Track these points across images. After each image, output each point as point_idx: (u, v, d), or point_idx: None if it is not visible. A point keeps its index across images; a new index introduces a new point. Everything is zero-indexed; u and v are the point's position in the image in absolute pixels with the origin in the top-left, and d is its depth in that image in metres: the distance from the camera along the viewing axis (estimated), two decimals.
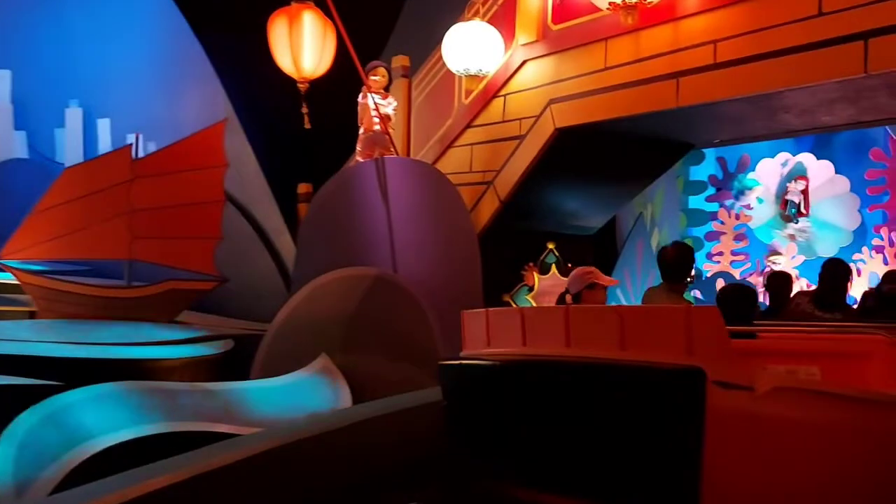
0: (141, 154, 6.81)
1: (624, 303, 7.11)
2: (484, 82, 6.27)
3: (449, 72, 6.36)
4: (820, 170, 10.58)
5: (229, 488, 2.63)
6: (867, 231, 10.40)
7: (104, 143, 9.31)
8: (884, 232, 9.87)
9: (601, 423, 1.91)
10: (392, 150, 6.19)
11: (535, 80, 5.92)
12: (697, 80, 4.82)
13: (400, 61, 6.91)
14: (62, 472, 3.16)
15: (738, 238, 10.55)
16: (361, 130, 6.26)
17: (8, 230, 6.36)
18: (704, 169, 11.02)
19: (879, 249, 9.79)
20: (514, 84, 6.09)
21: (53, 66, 9.51)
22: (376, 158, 5.96)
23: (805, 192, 10.48)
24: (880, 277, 9.16)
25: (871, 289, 4.68)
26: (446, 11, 6.57)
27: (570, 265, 6.49)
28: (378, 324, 5.11)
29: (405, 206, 5.83)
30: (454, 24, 6.10)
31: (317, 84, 6.11)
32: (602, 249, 7.37)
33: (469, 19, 6.07)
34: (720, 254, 10.64)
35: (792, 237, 10.30)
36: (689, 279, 3.97)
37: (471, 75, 6.06)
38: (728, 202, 10.82)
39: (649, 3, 4.81)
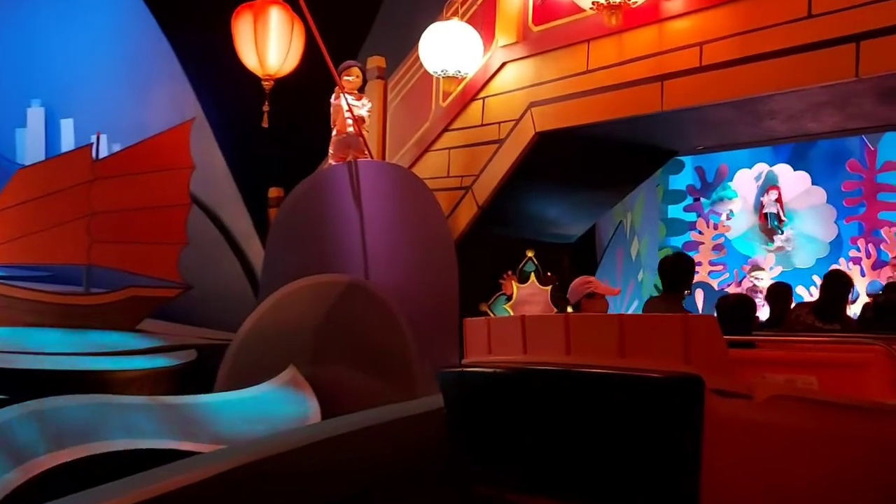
0: (104, 154, 6.52)
1: None
2: (462, 84, 6.10)
3: (426, 73, 6.17)
4: (797, 181, 10.57)
5: None
6: (843, 243, 10.41)
7: (67, 144, 8.93)
8: (861, 243, 9.87)
9: (601, 430, 1.93)
10: (366, 152, 5.97)
11: (515, 83, 5.76)
12: (683, 83, 4.68)
13: (375, 62, 6.71)
14: None
15: (716, 248, 10.49)
16: (334, 132, 6.03)
17: None
18: (683, 178, 10.97)
19: (857, 261, 9.78)
20: (494, 86, 5.92)
21: (14, 63, 9.15)
22: (349, 161, 5.75)
23: (779, 201, 10.48)
24: (859, 290, 9.18)
25: (870, 300, 4.62)
26: (424, 11, 6.40)
27: (549, 274, 6.36)
28: (350, 334, 4.88)
29: (379, 212, 5.63)
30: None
31: (290, 85, 5.88)
32: (582, 258, 7.22)
33: (447, 19, 5.89)
34: (699, 264, 10.54)
35: (780, 248, 10.24)
36: (688, 289, 3.92)
37: (448, 76, 5.87)
38: (706, 212, 10.77)
39: (633, 3, 4.66)
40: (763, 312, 5.56)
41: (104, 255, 6.06)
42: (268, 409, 4.39)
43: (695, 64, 4.61)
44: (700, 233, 10.57)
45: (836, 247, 10.38)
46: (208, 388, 4.76)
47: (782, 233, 10.37)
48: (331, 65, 5.56)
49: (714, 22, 4.52)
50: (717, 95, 4.58)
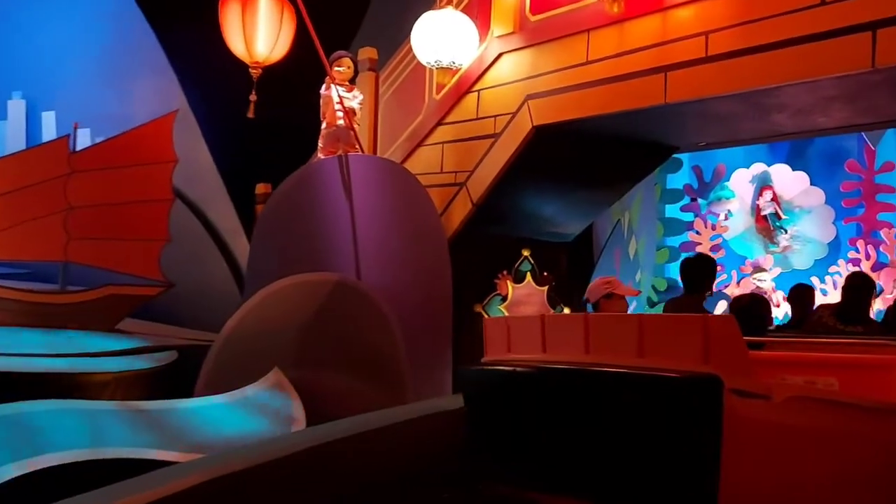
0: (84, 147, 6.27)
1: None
2: (457, 77, 5.88)
3: (419, 65, 5.94)
4: (795, 181, 10.44)
5: None
6: (842, 244, 10.27)
7: (48, 137, 8.59)
8: (860, 244, 9.72)
9: (619, 429, 1.95)
10: (357, 146, 5.75)
11: (511, 75, 5.54)
12: (687, 74, 4.47)
13: (367, 53, 6.49)
14: None
15: (714, 249, 10.31)
16: (324, 125, 5.81)
17: None
18: (681, 178, 10.81)
19: (856, 262, 9.63)
20: (489, 79, 5.70)
21: None
22: (339, 155, 5.52)
23: (775, 199, 10.34)
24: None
25: (895, 302, 4.49)
26: (418, 1, 6.17)
27: (545, 273, 6.16)
28: (337, 335, 4.66)
29: (370, 208, 5.42)
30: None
31: (279, 76, 5.65)
32: (579, 257, 7.03)
33: (441, 8, 5.67)
34: None
35: (786, 248, 10.08)
36: (709, 290, 3.83)
37: (442, 68, 5.64)
38: (704, 213, 10.61)
39: None
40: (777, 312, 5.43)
41: (82, 251, 5.80)
42: (250, 414, 4.16)
43: (700, 54, 4.40)
44: (698, 233, 10.41)
45: (835, 248, 10.25)
46: (189, 392, 4.54)
47: (785, 232, 10.21)
48: (321, 53, 5.33)
49: (721, 10, 4.32)
50: (723, 87, 4.37)
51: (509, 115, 5.49)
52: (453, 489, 2.64)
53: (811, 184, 10.34)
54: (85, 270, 5.96)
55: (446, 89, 5.97)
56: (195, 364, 4.81)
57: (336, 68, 5.64)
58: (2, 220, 5.65)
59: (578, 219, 6.58)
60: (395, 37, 6.48)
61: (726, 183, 10.66)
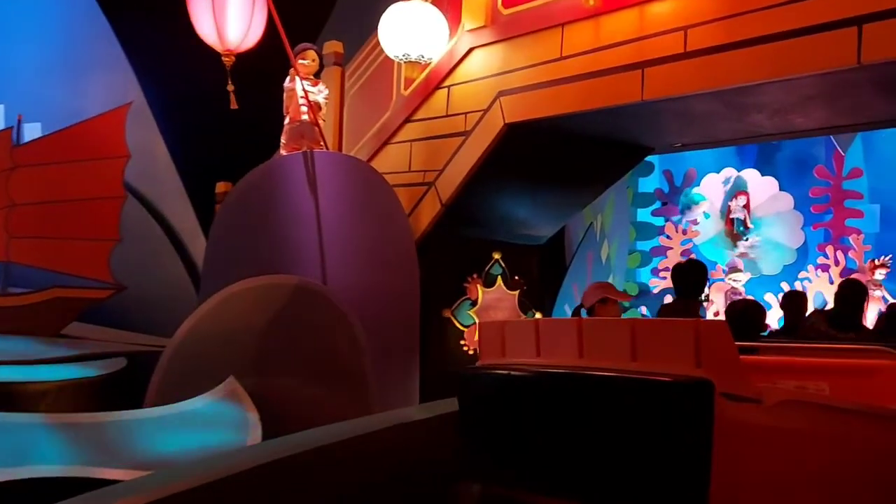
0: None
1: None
2: (426, 72, 5.67)
3: (387, 60, 5.72)
4: (764, 186, 10.43)
5: None
6: (810, 249, 10.29)
7: None
8: (829, 250, 9.73)
9: (612, 433, 1.97)
10: (321, 143, 5.49)
11: (482, 70, 5.34)
12: (665, 70, 4.32)
13: (332, 47, 6.25)
14: None
15: (684, 254, 10.24)
16: (287, 120, 5.54)
17: None
18: (652, 181, 10.75)
19: (825, 268, 9.63)
20: (460, 74, 5.49)
21: None
22: (304, 152, 5.26)
23: (747, 207, 10.33)
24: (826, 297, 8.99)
25: (887, 309, 4.42)
26: None
27: (517, 277, 5.98)
28: (297, 341, 4.40)
29: (334, 207, 5.17)
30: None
31: (241, 69, 5.36)
32: (551, 260, 6.86)
33: None
34: (667, 269, 10.30)
35: (743, 255, 10.07)
36: (702, 295, 3.67)
37: (411, 62, 5.43)
38: (675, 217, 10.55)
39: None
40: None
41: (24, 251, 5.44)
42: (202, 427, 3.88)
43: (678, 50, 4.26)
44: (668, 237, 10.33)
45: (803, 253, 10.26)
46: (139, 403, 4.24)
47: (746, 239, 10.22)
48: (287, 44, 5.07)
49: (700, 4, 4.18)
50: (702, 84, 4.23)
51: (480, 112, 5.30)
52: (447, 493, 2.62)
53: (780, 189, 10.34)
54: (28, 272, 5.60)
55: (415, 85, 5.76)
56: (146, 372, 4.50)
57: (300, 61, 5.39)
58: None
59: (551, 221, 6.41)
60: (362, 31, 6.25)
61: (696, 187, 10.62)
